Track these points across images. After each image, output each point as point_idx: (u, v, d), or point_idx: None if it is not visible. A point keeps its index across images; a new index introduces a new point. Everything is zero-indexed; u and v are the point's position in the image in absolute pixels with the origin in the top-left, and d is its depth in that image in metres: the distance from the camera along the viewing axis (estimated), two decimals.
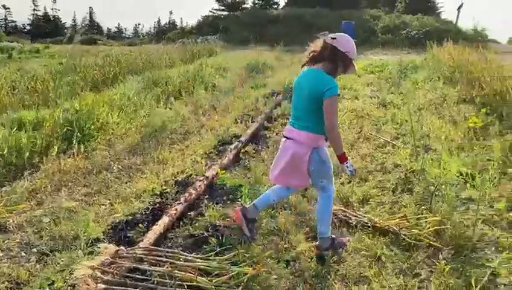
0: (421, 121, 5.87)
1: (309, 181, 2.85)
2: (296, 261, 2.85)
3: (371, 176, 4.23)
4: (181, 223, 3.34)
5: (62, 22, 59.73)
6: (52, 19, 57.30)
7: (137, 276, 2.52)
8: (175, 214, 3.34)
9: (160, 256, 2.66)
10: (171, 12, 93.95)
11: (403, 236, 3.01)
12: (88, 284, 2.34)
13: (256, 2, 35.37)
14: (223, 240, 2.98)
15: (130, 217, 3.43)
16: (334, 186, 2.93)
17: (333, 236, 2.93)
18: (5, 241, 3.04)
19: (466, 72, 8.25)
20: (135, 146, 5.31)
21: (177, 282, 2.44)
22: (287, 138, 2.83)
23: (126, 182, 4.21)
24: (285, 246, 3.01)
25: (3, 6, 57.42)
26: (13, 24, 57.51)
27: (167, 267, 2.55)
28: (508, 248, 2.84)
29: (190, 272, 2.50)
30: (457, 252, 2.82)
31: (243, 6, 35.30)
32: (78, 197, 3.83)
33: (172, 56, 13.82)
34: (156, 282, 2.45)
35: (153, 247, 2.80)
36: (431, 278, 2.60)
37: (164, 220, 3.19)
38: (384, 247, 2.94)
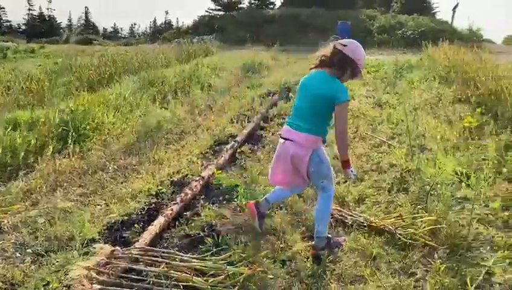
0: (416, 120, 5.88)
1: (308, 182, 2.87)
2: (292, 260, 2.85)
3: (367, 176, 4.24)
4: (177, 223, 3.33)
5: (57, 22, 59.25)
6: (47, 18, 56.81)
7: (132, 276, 2.52)
8: (171, 214, 3.33)
9: (156, 256, 2.66)
10: (167, 12, 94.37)
11: (399, 235, 3.01)
12: (83, 285, 2.33)
13: (252, 2, 35.43)
14: (219, 240, 2.98)
15: (126, 218, 3.42)
16: (334, 186, 2.95)
17: (329, 236, 2.94)
18: (0, 242, 3.02)
19: (461, 72, 8.28)
20: (131, 146, 5.28)
21: (173, 282, 2.44)
22: (286, 139, 2.83)
23: (122, 182, 4.19)
24: (281, 245, 3.00)
25: None
26: (8, 24, 56.87)
27: (163, 268, 2.54)
28: (503, 247, 2.86)
29: (186, 272, 2.49)
30: (453, 251, 2.83)
31: (239, 6, 35.36)
32: (74, 197, 3.81)
33: (168, 56, 13.76)
34: (151, 282, 2.45)
35: (148, 247, 2.79)
36: (426, 278, 2.60)
37: (160, 221, 3.19)
38: (380, 246, 2.95)
